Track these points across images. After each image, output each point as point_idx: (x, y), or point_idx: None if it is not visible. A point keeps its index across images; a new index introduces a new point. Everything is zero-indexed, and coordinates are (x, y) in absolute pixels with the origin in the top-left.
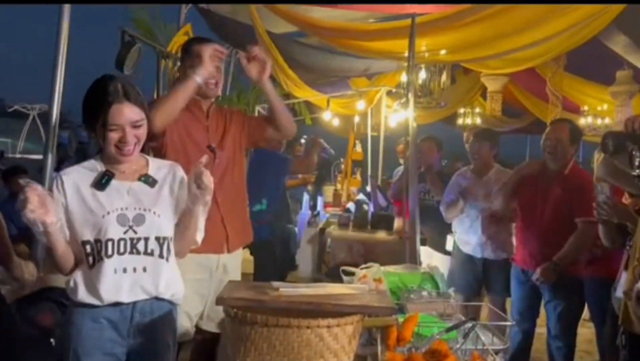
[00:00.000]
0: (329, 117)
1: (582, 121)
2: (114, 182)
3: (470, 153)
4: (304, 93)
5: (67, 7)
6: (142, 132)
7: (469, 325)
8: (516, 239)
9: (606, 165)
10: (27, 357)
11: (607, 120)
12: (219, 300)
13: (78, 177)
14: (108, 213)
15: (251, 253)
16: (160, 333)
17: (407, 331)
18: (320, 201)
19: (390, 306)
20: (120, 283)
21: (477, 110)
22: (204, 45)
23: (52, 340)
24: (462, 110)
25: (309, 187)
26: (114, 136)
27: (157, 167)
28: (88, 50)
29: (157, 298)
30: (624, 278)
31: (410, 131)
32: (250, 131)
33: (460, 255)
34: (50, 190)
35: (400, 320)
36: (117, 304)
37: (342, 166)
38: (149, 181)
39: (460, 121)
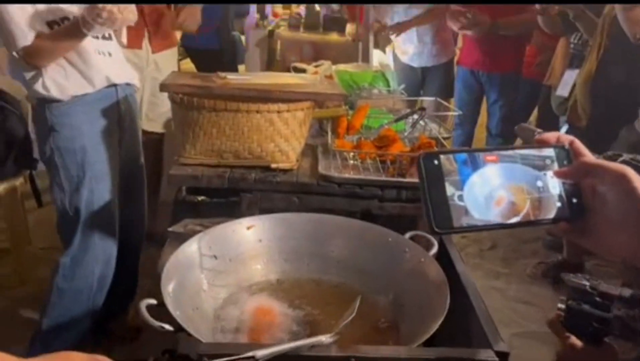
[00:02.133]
0: None
1: None
2: None
3: None
4: None
5: None
6: None
7: (417, 115)
8: (463, 41)
9: None
10: None
11: None
12: (163, 87)
13: None
14: None
15: (193, 63)
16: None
17: (356, 120)
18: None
19: (341, 93)
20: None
21: None
22: None
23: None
24: None
25: None
26: None
27: None
28: None
29: (127, 84)
30: (569, 76)
31: None
32: None
33: (400, 65)
34: None
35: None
36: (107, 87)
37: None
38: None
39: None
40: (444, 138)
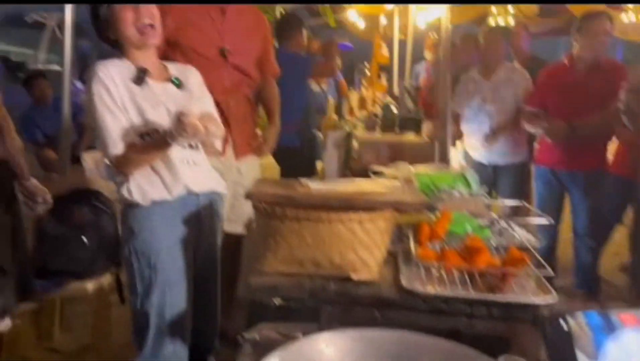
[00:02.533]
0: (354, 18)
1: (625, 19)
2: (148, 80)
3: (482, 50)
4: None
5: None
6: (154, 11)
7: (504, 222)
8: (540, 138)
9: None
10: (57, 253)
11: None
12: (248, 195)
13: (120, 69)
14: (157, 105)
15: (276, 160)
16: (217, 224)
17: (440, 228)
18: (345, 105)
19: (424, 202)
20: (181, 174)
21: (510, 9)
22: None
23: (84, 237)
24: (494, 9)
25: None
26: (127, 15)
27: (175, 68)
28: None
29: (212, 192)
30: None
31: (443, 28)
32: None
33: (471, 161)
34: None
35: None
36: (185, 196)
37: (367, 70)
38: (178, 83)
39: (491, 21)
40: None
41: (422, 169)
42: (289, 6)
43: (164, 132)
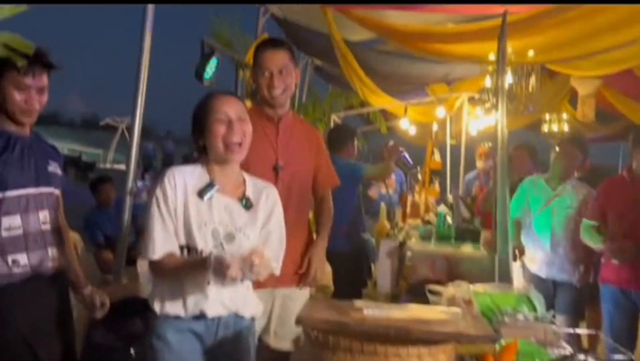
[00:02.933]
0: (406, 125)
1: None
2: (215, 195)
3: (555, 159)
4: (380, 100)
5: (149, 25)
6: (248, 129)
7: (581, 357)
8: (607, 257)
9: None
10: None
11: None
12: (298, 320)
13: (188, 179)
14: (205, 224)
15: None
16: (241, 348)
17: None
18: (398, 211)
19: (489, 335)
20: (206, 295)
21: (565, 116)
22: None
23: (132, 349)
24: (547, 117)
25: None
26: (219, 129)
27: (253, 185)
28: (170, 63)
29: (237, 315)
30: None
31: (499, 137)
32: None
33: (529, 275)
34: (131, 194)
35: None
36: (201, 317)
37: (419, 176)
38: (247, 205)
39: (545, 128)
40: None
41: (482, 288)
42: (342, 115)
43: (208, 261)
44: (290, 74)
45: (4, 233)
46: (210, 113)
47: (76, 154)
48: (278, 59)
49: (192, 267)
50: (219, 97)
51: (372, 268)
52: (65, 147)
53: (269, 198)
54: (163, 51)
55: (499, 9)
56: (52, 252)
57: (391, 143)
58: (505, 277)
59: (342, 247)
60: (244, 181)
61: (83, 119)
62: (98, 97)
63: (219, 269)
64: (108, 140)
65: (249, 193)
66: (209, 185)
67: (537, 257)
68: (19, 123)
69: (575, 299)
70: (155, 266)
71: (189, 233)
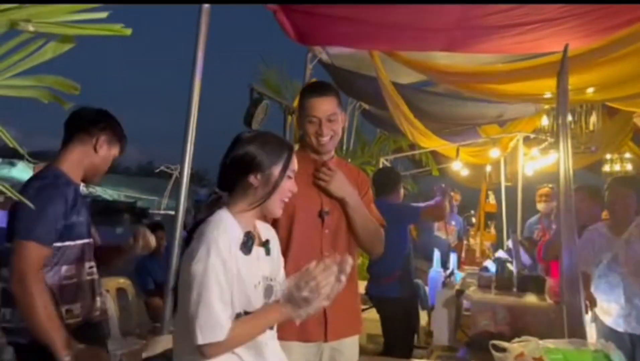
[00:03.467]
0: (458, 167)
1: None
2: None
3: (608, 204)
4: (431, 143)
5: (198, 74)
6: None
7: None
8: None
9: None
10: None
11: None
12: None
13: (230, 234)
14: (259, 283)
15: (377, 310)
16: None
17: None
18: (453, 258)
19: None
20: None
21: (627, 155)
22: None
23: None
24: (608, 156)
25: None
26: (287, 186)
27: (263, 227)
28: (219, 110)
29: None
30: None
31: (562, 178)
32: None
33: (602, 327)
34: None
35: None
36: None
37: (474, 219)
38: (268, 248)
39: (607, 168)
40: None
41: (554, 345)
42: (391, 158)
43: (284, 297)
44: (337, 121)
45: (64, 282)
46: (274, 170)
47: (132, 200)
48: (325, 105)
49: (266, 322)
50: (292, 152)
51: (421, 314)
52: (122, 193)
53: (276, 240)
54: (214, 98)
55: (553, 46)
56: (99, 302)
57: (443, 185)
58: (578, 331)
59: (394, 292)
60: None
61: (139, 166)
62: (153, 145)
63: (298, 299)
64: (163, 186)
65: (264, 236)
66: (249, 237)
67: (612, 309)
68: (94, 182)
69: None
70: (216, 348)
71: (246, 297)
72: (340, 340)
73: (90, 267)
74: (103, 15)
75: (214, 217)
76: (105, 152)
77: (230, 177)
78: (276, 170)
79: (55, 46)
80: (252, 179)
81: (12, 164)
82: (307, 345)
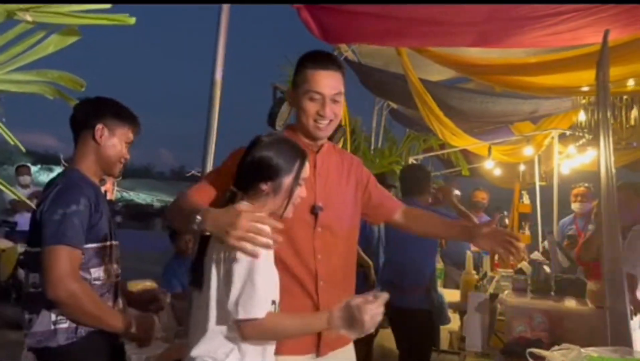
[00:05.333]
0: (490, 166)
1: None
2: None
3: None
4: (461, 142)
5: (218, 74)
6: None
7: None
8: None
9: None
10: None
11: None
12: None
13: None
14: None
15: (393, 324)
16: None
17: None
18: (486, 260)
19: None
20: None
21: None
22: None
23: None
24: None
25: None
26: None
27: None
28: (241, 110)
29: None
30: None
31: (603, 176)
32: (372, 207)
33: None
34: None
35: None
36: None
37: (507, 220)
38: None
39: None
40: None
41: (596, 353)
42: (421, 158)
43: (338, 315)
44: (341, 102)
45: (94, 283)
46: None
47: (164, 205)
48: (332, 81)
49: (309, 325)
50: (305, 160)
51: (453, 318)
52: (155, 197)
53: None
54: (237, 99)
55: (591, 36)
56: (120, 303)
57: (456, 192)
58: (622, 338)
59: (422, 304)
60: None
61: (172, 171)
62: (187, 150)
63: (357, 319)
64: None
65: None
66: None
67: None
68: (112, 174)
69: None
70: (252, 326)
71: (276, 287)
72: (334, 351)
73: (117, 270)
74: (107, 5)
75: None
76: (108, 139)
77: (245, 178)
78: (287, 179)
79: (58, 39)
80: (263, 185)
81: (51, 170)
82: (297, 357)
